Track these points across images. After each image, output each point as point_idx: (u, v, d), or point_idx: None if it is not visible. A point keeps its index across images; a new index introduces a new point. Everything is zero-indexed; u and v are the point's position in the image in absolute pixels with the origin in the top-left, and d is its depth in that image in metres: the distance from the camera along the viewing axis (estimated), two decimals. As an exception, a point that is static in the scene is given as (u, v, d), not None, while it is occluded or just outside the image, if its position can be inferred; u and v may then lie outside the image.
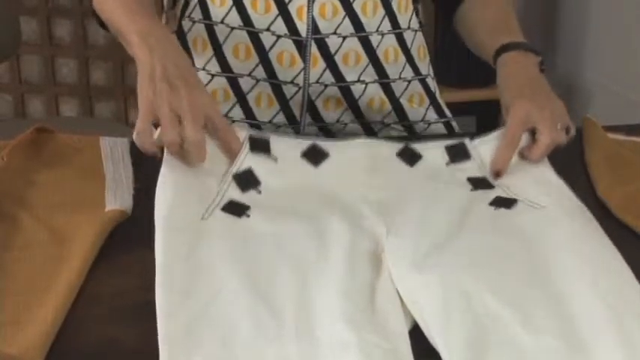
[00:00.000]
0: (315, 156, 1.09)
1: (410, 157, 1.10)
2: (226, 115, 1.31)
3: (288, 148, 1.08)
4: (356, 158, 1.08)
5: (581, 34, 2.33)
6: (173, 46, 1.08)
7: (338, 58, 1.28)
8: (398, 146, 1.11)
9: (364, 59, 1.30)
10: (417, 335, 0.83)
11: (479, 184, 1.08)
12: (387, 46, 1.31)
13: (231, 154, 1.05)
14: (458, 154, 1.12)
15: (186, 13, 1.31)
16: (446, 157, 1.11)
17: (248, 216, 0.99)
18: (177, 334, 0.81)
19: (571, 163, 1.18)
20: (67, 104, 2.77)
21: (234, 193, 1.02)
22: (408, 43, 1.34)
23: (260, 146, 1.07)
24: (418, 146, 1.12)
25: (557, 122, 1.12)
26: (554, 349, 0.80)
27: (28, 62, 2.69)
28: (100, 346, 0.83)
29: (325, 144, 1.10)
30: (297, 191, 1.04)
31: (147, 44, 1.04)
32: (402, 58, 1.33)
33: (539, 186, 1.07)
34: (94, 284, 0.91)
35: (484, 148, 1.12)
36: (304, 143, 1.09)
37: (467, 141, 1.13)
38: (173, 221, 0.95)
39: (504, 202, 1.04)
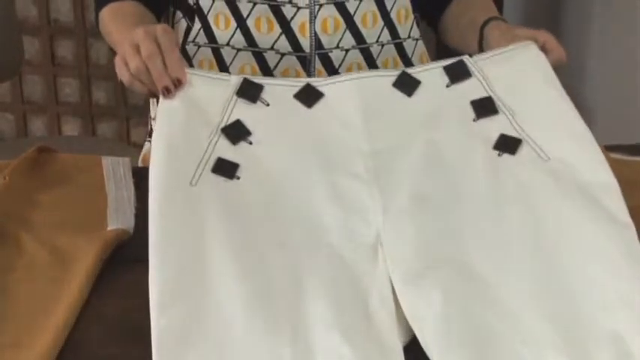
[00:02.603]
0: (308, 97, 1.04)
1: (407, 85, 1.05)
2: None
3: (281, 90, 1.05)
4: (351, 97, 1.03)
5: (582, 55, 2.34)
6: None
7: (342, 72, 1.29)
8: (394, 75, 1.06)
9: (366, 70, 1.30)
10: (415, 349, 0.83)
11: (483, 109, 1.02)
12: (386, 57, 1.33)
13: (172, 83, 1.02)
14: (457, 73, 1.06)
15: (190, 38, 1.32)
16: (445, 79, 1.06)
17: (238, 178, 0.96)
18: (171, 331, 0.81)
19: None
20: (69, 123, 2.77)
21: (224, 148, 0.98)
22: (409, 53, 1.35)
23: (251, 91, 1.04)
24: (415, 70, 1.07)
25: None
26: None
27: (30, 82, 2.70)
28: (102, 367, 0.83)
29: (319, 83, 1.05)
30: (289, 143, 1.00)
31: (138, 34, 1.07)
32: (402, 68, 1.34)
33: (552, 127, 1.02)
34: (95, 304, 0.91)
35: (484, 63, 1.08)
36: (298, 84, 1.05)
37: (466, 58, 1.08)
38: (165, 190, 0.93)
39: (508, 145, 0.99)
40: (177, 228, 0.90)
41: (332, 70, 1.29)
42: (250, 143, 1.00)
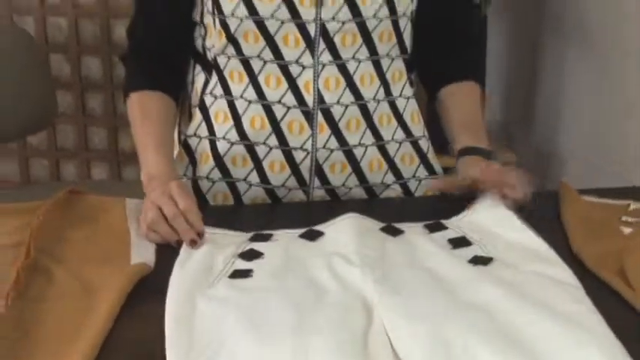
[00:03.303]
0: (311, 235, 1.12)
1: (393, 232, 1.12)
2: (244, 180, 1.32)
3: (287, 235, 1.12)
4: (347, 230, 1.10)
5: (556, 108, 2.34)
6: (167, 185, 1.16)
7: (342, 125, 1.30)
8: (381, 224, 1.14)
9: (363, 124, 1.31)
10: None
11: (458, 243, 1.09)
12: (381, 112, 1.33)
13: (192, 230, 1.09)
14: (435, 227, 1.14)
15: (207, 90, 1.33)
16: (426, 231, 1.14)
17: (252, 276, 1.00)
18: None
19: (549, 223, 1.18)
20: (97, 168, 2.77)
21: (240, 264, 1.04)
22: (401, 109, 1.35)
23: (261, 237, 1.12)
24: (399, 225, 1.14)
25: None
26: None
27: (63, 131, 2.71)
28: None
29: (319, 226, 1.13)
30: (296, 256, 1.06)
31: (149, 189, 1.19)
32: (394, 123, 1.35)
33: (517, 251, 1.07)
34: (119, 332, 0.90)
35: (458, 221, 1.16)
36: (300, 230, 1.13)
37: (442, 220, 1.16)
38: (183, 287, 0.97)
39: (482, 260, 1.04)
40: (192, 302, 0.94)
41: (332, 124, 1.29)
42: (263, 258, 1.05)
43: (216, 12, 1.26)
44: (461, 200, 1.21)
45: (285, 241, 1.10)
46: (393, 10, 1.27)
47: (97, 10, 2.49)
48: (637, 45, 1.92)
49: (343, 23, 1.25)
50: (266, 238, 1.11)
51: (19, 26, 2.35)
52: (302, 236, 1.12)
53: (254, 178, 1.32)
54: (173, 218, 1.10)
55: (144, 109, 1.33)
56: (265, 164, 1.30)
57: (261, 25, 1.24)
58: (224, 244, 1.09)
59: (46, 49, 2.51)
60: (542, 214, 1.19)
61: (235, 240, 1.11)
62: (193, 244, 1.08)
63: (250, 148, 1.30)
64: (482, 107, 1.41)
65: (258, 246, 1.08)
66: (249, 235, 1.12)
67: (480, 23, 2.19)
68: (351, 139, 1.31)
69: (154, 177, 1.22)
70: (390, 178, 1.36)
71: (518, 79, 2.58)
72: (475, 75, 1.44)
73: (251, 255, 1.06)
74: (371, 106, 1.31)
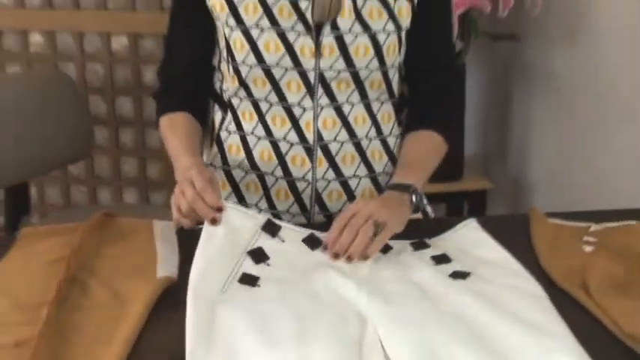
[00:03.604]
0: (311, 242, 1.12)
1: (382, 249, 1.12)
2: (255, 205, 1.33)
3: (293, 234, 1.13)
4: None
5: (527, 142, 2.35)
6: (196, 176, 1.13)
7: (338, 159, 1.30)
8: None
9: (357, 159, 1.32)
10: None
11: (440, 260, 1.09)
12: (373, 148, 1.33)
13: (211, 207, 1.08)
14: (419, 245, 1.14)
15: (224, 126, 1.34)
16: (410, 248, 1.14)
17: (259, 286, 1.00)
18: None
19: (520, 243, 1.18)
20: (128, 194, 2.78)
21: (249, 266, 1.04)
22: (391, 146, 1.36)
23: (271, 228, 1.12)
24: (388, 241, 1.13)
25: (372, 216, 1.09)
26: None
27: (99, 161, 2.72)
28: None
29: (319, 234, 1.13)
30: (297, 266, 1.05)
31: (180, 180, 1.16)
32: (385, 158, 1.35)
33: (492, 267, 1.07)
34: (146, 337, 0.91)
35: (438, 239, 1.16)
36: (305, 232, 1.13)
37: (426, 239, 1.16)
38: (200, 291, 0.97)
39: (461, 275, 1.04)
40: (207, 313, 0.93)
41: (330, 159, 1.30)
42: (268, 265, 1.05)
43: (230, 60, 1.28)
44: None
45: (289, 243, 1.10)
46: (382, 62, 1.27)
47: (129, 57, 2.51)
48: (596, 89, 1.94)
49: (339, 72, 1.26)
50: (275, 230, 1.12)
51: (62, 71, 2.37)
52: (304, 241, 1.12)
53: (263, 204, 1.32)
54: (192, 202, 1.09)
55: (173, 124, 1.33)
56: (272, 192, 1.31)
57: (267, 72, 1.25)
58: (239, 229, 1.09)
59: (85, 90, 2.53)
60: (514, 234, 1.20)
61: (250, 223, 1.11)
62: (214, 222, 1.07)
63: (261, 177, 1.31)
64: (437, 154, 1.33)
65: (265, 243, 1.08)
66: (262, 220, 1.12)
67: (459, 69, 2.20)
68: (347, 171, 1.31)
69: (183, 172, 1.19)
70: None
71: (493, 117, 2.59)
72: (440, 125, 1.34)
73: (259, 257, 1.06)
74: (364, 143, 1.32)
